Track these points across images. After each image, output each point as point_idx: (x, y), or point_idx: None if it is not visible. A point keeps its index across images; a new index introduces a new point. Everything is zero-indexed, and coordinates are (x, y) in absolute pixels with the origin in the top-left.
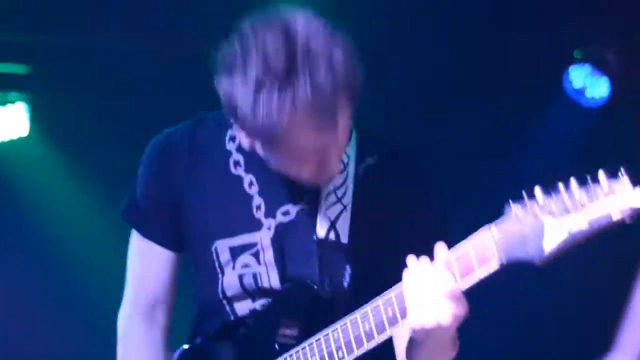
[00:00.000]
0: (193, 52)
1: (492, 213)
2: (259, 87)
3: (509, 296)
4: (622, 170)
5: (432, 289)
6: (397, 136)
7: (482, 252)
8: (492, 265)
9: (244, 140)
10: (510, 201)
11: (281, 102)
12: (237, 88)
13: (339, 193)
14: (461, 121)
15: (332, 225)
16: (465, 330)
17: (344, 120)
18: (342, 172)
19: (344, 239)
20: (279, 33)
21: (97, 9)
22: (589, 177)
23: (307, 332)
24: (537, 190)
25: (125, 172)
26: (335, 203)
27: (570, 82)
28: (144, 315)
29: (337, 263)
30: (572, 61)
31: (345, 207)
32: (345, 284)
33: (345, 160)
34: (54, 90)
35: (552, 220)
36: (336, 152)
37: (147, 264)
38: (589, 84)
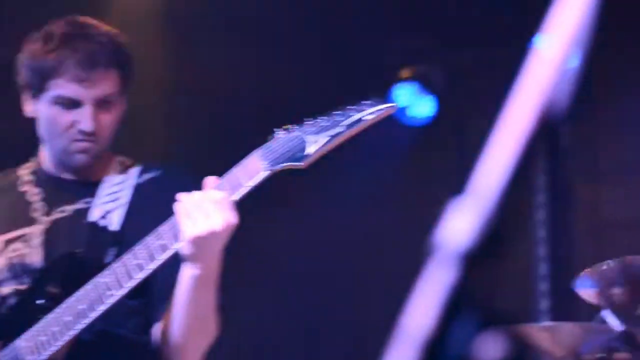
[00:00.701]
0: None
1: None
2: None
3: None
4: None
5: (203, 201)
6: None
7: (249, 169)
8: (259, 176)
9: (28, 108)
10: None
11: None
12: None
13: (117, 195)
14: None
15: (105, 215)
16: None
17: (111, 87)
18: (120, 184)
19: (115, 227)
20: (64, 22)
21: None
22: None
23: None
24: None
25: None
26: (112, 201)
27: (395, 100)
28: None
29: (104, 245)
30: (399, 79)
31: (121, 205)
32: (108, 261)
33: (122, 179)
34: None
35: (314, 134)
36: (107, 114)
37: None
38: (414, 102)
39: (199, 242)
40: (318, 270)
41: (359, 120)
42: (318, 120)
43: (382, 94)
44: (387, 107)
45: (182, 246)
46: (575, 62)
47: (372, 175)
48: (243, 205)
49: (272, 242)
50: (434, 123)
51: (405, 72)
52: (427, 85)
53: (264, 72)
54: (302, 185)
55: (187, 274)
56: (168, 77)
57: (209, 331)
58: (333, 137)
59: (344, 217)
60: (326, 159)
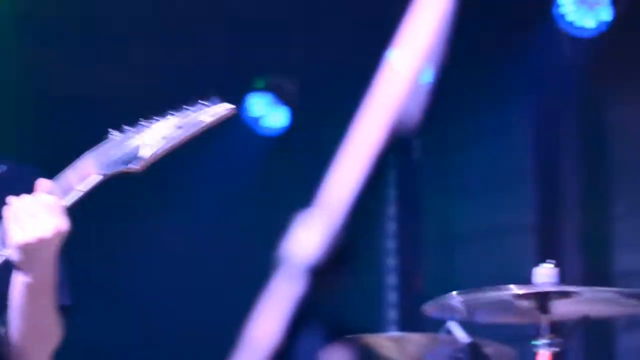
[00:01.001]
0: None
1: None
2: None
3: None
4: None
5: (32, 206)
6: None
7: (81, 173)
8: (92, 180)
9: None
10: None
11: None
12: None
13: None
14: None
15: None
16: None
17: None
18: None
19: None
20: None
21: None
22: (183, 105)
23: None
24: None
25: None
26: None
27: (248, 110)
28: None
29: None
30: (252, 89)
31: None
32: None
33: None
34: None
35: (149, 136)
36: None
37: None
38: (268, 112)
39: (28, 249)
40: (164, 279)
41: (196, 122)
42: (153, 121)
43: (236, 104)
44: (225, 109)
45: (11, 253)
46: (427, 77)
47: (223, 185)
48: (97, 209)
49: (121, 247)
50: (287, 134)
51: (259, 83)
52: (281, 95)
53: (115, 74)
54: (150, 193)
55: (19, 281)
56: (19, 80)
57: (49, 335)
58: (169, 139)
59: (193, 227)
60: (178, 168)
